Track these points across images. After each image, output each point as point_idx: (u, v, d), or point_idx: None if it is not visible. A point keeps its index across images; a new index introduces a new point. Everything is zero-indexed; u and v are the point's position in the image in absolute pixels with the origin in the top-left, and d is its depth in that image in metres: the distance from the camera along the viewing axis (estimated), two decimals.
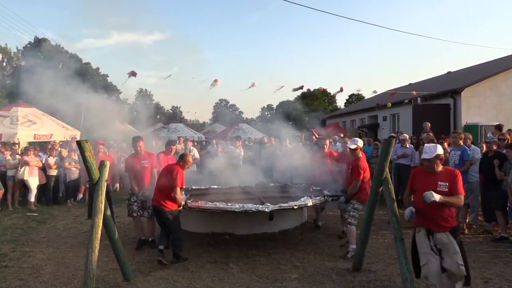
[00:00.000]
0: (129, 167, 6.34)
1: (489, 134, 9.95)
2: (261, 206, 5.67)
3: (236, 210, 5.57)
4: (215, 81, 12.16)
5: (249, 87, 12.64)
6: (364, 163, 5.99)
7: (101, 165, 4.43)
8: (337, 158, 7.33)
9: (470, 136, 7.67)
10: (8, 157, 9.92)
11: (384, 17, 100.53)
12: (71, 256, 5.95)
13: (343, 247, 6.14)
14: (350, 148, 6.08)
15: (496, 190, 6.57)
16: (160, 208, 5.43)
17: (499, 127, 8.15)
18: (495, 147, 6.97)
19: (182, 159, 5.67)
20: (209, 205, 5.71)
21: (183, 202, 5.66)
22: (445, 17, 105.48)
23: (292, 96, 56.10)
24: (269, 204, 5.70)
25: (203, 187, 7.70)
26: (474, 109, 15.69)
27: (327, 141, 8.02)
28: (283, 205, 5.77)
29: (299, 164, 9.81)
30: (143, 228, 6.43)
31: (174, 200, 5.44)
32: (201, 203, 5.77)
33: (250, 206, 5.64)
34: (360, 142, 6.18)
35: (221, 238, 6.54)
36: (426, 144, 4.26)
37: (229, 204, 5.70)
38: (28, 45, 39.51)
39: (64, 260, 5.77)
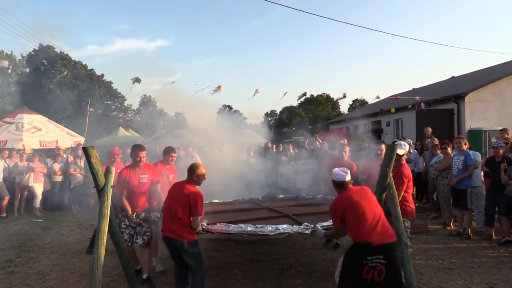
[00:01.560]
0: (124, 183, 4.95)
1: (493, 139, 9.96)
2: (300, 227, 4.64)
3: (270, 234, 4.55)
4: (219, 87, 12.21)
5: (254, 95, 12.67)
6: (408, 171, 5.19)
7: (107, 171, 4.47)
8: (365, 167, 6.39)
9: (467, 142, 7.70)
10: (18, 163, 10.06)
11: (387, 22, 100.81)
12: (76, 262, 5.98)
13: None
14: (397, 154, 5.01)
15: (502, 194, 6.56)
16: (178, 241, 4.22)
17: (505, 131, 8.15)
18: (502, 152, 6.97)
19: (194, 172, 4.40)
20: (233, 228, 4.65)
21: (200, 228, 4.45)
22: (448, 22, 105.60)
23: (295, 101, 56.26)
24: (308, 223, 4.66)
25: (207, 202, 6.22)
26: (478, 114, 15.66)
27: (347, 148, 7.22)
28: (325, 224, 4.62)
29: (312, 173, 9.77)
30: (137, 257, 5.21)
31: (194, 229, 4.32)
32: (222, 227, 4.66)
33: (286, 228, 4.62)
34: (407, 147, 5.24)
35: (226, 243, 6.55)
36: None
37: (259, 226, 4.65)
38: (33, 52, 39.88)
39: (69, 266, 5.80)
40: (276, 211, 5.86)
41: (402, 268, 4.07)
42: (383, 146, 6.12)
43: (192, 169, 4.43)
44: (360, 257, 3.60)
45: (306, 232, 4.57)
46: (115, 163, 6.19)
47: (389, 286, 3.60)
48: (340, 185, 3.97)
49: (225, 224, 4.71)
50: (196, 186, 4.41)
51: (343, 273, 3.79)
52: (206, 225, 4.60)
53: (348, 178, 3.95)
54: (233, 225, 4.69)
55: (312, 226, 4.53)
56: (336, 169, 4.07)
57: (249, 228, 4.60)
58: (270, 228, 4.57)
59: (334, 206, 3.93)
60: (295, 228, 4.62)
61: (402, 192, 5.00)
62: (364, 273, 3.54)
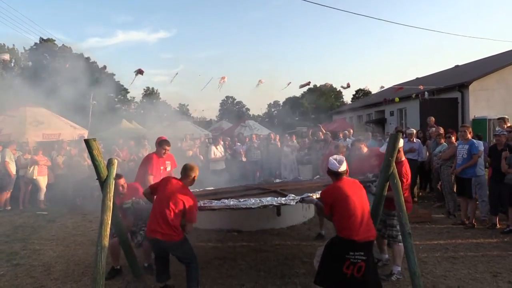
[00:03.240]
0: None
1: (497, 128, 9.90)
2: (283, 198, 4.56)
3: (253, 206, 4.44)
4: (222, 78, 12.16)
5: (257, 85, 12.63)
6: (407, 169, 4.95)
7: (109, 163, 4.46)
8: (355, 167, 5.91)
9: (471, 130, 7.63)
10: (22, 157, 10.10)
11: (390, 11, 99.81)
12: (81, 253, 6.03)
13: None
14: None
15: (503, 183, 6.52)
16: (169, 242, 4.06)
17: (503, 120, 8.10)
18: (504, 140, 6.91)
19: (192, 174, 4.29)
20: (216, 203, 4.52)
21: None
22: (452, 10, 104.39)
23: (298, 92, 56.02)
24: (294, 195, 4.57)
25: (198, 190, 6.15)
26: (482, 102, 15.56)
27: (343, 149, 6.98)
28: (310, 194, 4.48)
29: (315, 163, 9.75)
30: (118, 254, 4.99)
31: (184, 228, 4.16)
32: (205, 203, 4.51)
33: (270, 200, 4.53)
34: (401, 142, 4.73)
35: (229, 234, 6.57)
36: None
37: (242, 200, 4.56)
38: (34, 46, 39.81)
39: (74, 257, 5.85)
40: (264, 189, 5.79)
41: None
42: (362, 145, 6.19)
43: (189, 170, 4.30)
44: (343, 251, 3.68)
45: (291, 203, 4.49)
46: (166, 154, 5.91)
47: (366, 282, 3.66)
48: (334, 174, 3.97)
49: (208, 200, 4.62)
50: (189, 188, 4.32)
51: (325, 260, 3.82)
52: None
53: (342, 168, 3.91)
54: (215, 201, 4.59)
55: (299, 197, 4.44)
56: (332, 158, 4.04)
57: (231, 203, 4.52)
58: (253, 201, 4.49)
59: (325, 194, 3.96)
60: (280, 200, 4.54)
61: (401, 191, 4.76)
62: (345, 267, 3.62)
